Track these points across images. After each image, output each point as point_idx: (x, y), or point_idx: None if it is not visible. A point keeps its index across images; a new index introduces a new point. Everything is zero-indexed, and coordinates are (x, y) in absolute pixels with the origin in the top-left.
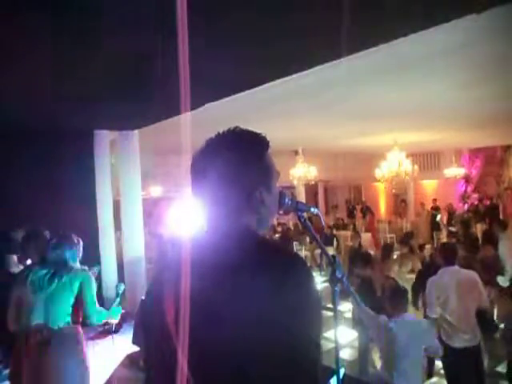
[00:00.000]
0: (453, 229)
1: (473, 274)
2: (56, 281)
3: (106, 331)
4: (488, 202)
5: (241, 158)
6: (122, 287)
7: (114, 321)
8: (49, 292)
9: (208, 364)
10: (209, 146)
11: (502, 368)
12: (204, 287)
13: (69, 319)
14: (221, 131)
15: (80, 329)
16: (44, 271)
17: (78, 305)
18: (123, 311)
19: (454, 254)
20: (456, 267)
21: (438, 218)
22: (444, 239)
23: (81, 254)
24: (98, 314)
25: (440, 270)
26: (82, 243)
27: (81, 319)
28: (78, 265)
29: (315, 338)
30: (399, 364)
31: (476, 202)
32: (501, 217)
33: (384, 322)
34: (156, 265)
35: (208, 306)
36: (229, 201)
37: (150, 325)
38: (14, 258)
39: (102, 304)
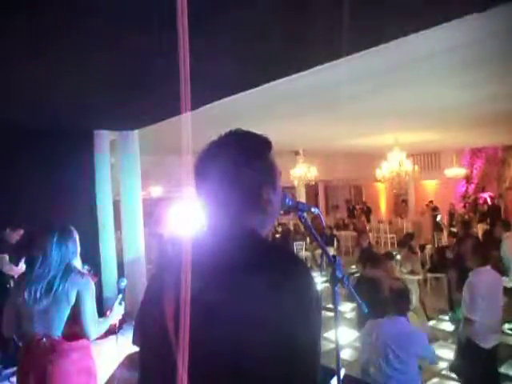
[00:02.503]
0: (454, 229)
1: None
2: (52, 293)
3: (107, 331)
4: (485, 202)
5: (244, 159)
6: (125, 282)
7: (116, 320)
8: (45, 305)
9: (207, 364)
10: (212, 148)
11: (504, 369)
12: (204, 287)
13: (67, 331)
14: (223, 133)
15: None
16: (41, 283)
17: (76, 316)
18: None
19: (488, 254)
20: (488, 268)
21: (439, 218)
22: (445, 240)
23: (79, 248)
24: (96, 327)
25: (472, 271)
26: (77, 235)
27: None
28: (79, 261)
29: (314, 339)
30: (375, 362)
31: (481, 202)
32: (502, 217)
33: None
34: (155, 265)
35: (208, 306)
36: (232, 202)
37: (147, 324)
38: (6, 257)
39: (101, 304)
